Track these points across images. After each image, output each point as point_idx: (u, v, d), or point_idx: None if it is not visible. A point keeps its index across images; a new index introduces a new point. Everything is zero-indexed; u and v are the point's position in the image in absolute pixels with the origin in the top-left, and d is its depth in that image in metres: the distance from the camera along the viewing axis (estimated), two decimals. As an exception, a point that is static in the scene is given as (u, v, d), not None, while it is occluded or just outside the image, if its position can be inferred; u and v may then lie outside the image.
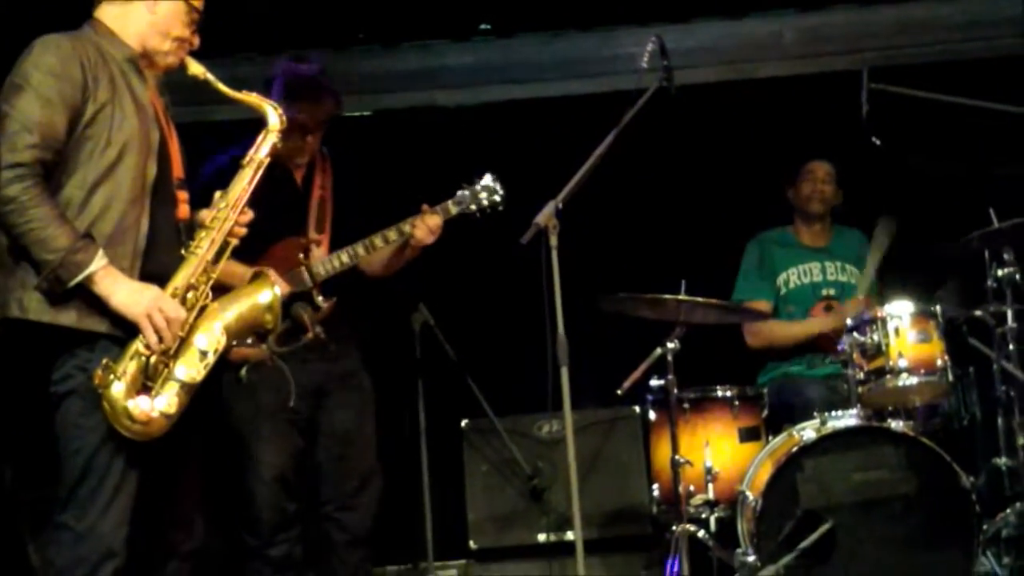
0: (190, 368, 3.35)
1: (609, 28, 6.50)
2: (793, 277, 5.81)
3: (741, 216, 6.28)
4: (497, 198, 4.92)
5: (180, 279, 3.40)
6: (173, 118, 3.60)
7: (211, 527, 3.96)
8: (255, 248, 4.69)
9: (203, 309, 3.43)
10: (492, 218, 5.27)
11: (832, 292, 5.75)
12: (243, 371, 4.53)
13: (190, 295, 3.40)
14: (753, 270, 5.87)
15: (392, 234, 4.83)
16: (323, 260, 4.87)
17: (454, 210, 4.89)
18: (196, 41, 3.56)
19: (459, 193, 4.90)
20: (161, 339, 3.28)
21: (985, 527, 4.77)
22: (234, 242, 3.54)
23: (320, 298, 4.81)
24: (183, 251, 3.46)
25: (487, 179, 4.93)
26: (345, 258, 4.87)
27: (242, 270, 4.57)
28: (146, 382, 3.29)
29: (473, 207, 4.90)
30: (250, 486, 4.80)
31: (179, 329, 3.34)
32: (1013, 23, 5.98)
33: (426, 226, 4.80)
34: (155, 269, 3.39)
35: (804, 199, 5.86)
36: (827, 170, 5.85)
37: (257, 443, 4.80)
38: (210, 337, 3.40)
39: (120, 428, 3.26)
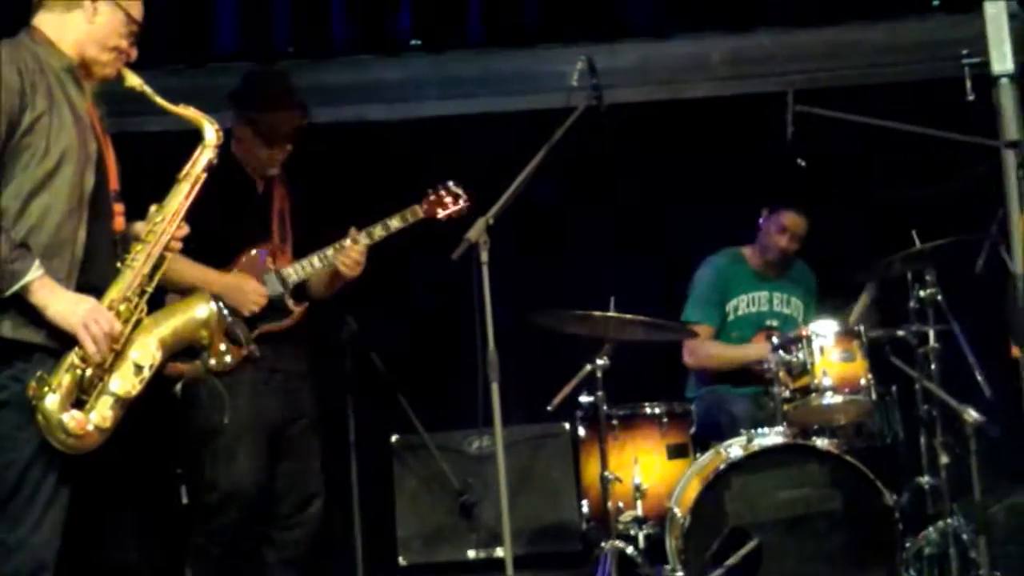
0: (125, 382, 3.32)
1: (539, 46, 6.52)
2: (743, 304, 5.84)
3: (670, 234, 6.34)
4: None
5: (116, 292, 3.36)
6: (108, 129, 3.56)
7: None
8: (225, 254, 4.76)
9: (138, 323, 3.39)
10: (423, 234, 5.29)
11: (775, 323, 5.79)
12: (177, 387, 4.50)
13: (124, 308, 3.36)
14: (705, 292, 5.85)
15: (379, 229, 4.90)
16: (294, 265, 4.88)
17: (379, 234, 4.91)
18: (134, 53, 3.53)
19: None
20: (97, 351, 3.25)
21: (908, 545, 4.86)
22: (170, 256, 3.51)
23: (291, 302, 4.86)
24: (119, 264, 3.43)
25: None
26: (316, 262, 4.88)
27: (213, 273, 4.69)
28: (81, 395, 3.25)
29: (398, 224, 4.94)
30: (224, 493, 4.71)
31: (114, 342, 3.30)
32: (936, 47, 6.08)
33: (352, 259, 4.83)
34: (91, 281, 3.35)
35: (770, 245, 5.84)
36: (801, 230, 5.80)
37: (238, 449, 4.72)
38: (145, 352, 3.36)
39: (54, 441, 3.22)
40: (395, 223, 4.93)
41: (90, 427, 3.25)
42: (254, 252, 4.89)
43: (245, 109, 4.88)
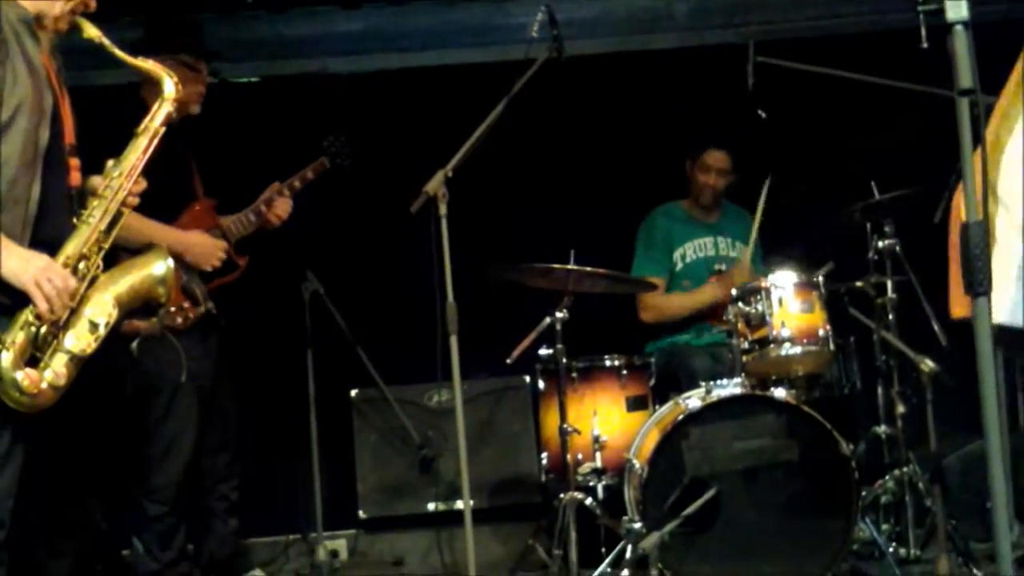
0: (80, 339, 3.30)
1: (499, -2, 6.49)
2: (689, 252, 5.90)
3: (630, 186, 6.33)
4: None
5: (71, 248, 3.33)
6: (65, 82, 3.51)
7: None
8: (169, 211, 4.84)
9: (94, 280, 3.37)
10: (381, 186, 5.28)
11: (724, 267, 5.83)
12: (134, 344, 4.49)
13: (81, 265, 3.34)
14: (651, 245, 5.94)
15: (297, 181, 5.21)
16: (234, 220, 5.05)
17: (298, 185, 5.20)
18: (93, 4, 3.47)
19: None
20: (52, 309, 3.22)
21: (864, 493, 4.90)
22: (127, 212, 3.48)
23: (236, 256, 5.03)
24: (75, 219, 3.40)
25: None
26: (252, 217, 5.08)
27: (175, 231, 4.81)
28: (35, 353, 3.23)
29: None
30: (170, 455, 4.80)
31: (69, 299, 3.28)
32: (894, -3, 6.08)
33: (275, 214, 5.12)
34: (46, 237, 3.30)
35: (698, 188, 5.94)
36: (724, 164, 5.90)
37: (185, 406, 4.82)
38: (101, 309, 3.34)
39: (7, 399, 3.20)
40: (310, 174, 5.23)
41: (44, 385, 3.23)
42: (196, 208, 5.00)
43: (170, 48, 4.89)
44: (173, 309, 4.73)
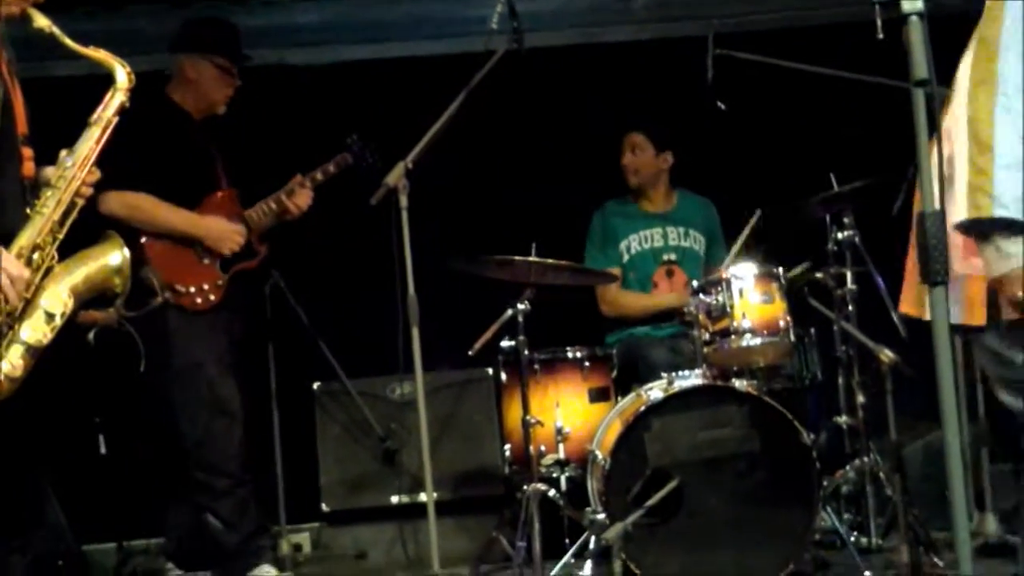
0: (36, 331, 3.27)
1: (460, -11, 6.48)
2: (634, 243, 5.89)
3: (590, 179, 6.33)
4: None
5: (25, 239, 3.31)
6: (17, 73, 3.48)
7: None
8: (189, 199, 4.96)
9: (49, 270, 3.34)
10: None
11: (673, 257, 5.85)
12: (91, 335, 4.47)
13: (36, 256, 3.32)
14: (597, 240, 5.94)
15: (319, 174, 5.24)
16: (256, 209, 5.13)
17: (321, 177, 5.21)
18: None
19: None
20: (6, 300, 3.19)
21: (825, 483, 4.92)
22: (80, 202, 3.45)
23: (257, 243, 5.13)
24: (28, 210, 3.37)
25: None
26: (273, 205, 5.14)
27: (194, 216, 4.96)
28: (-10, 345, 3.21)
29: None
30: (216, 425, 4.88)
31: (24, 290, 3.25)
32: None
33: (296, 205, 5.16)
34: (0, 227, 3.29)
35: (627, 173, 5.93)
36: (637, 141, 5.88)
37: (222, 381, 4.93)
38: (56, 299, 3.32)
39: (-38, 391, 3.17)
40: (332, 168, 5.22)
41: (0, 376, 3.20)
42: (219, 195, 5.08)
43: (207, 48, 5.08)
44: (192, 290, 4.88)
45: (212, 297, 4.92)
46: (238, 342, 5.07)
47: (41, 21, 3.45)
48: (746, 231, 5.45)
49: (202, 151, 5.08)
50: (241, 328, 5.12)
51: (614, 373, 5.41)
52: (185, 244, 4.93)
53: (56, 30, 3.46)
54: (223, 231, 4.98)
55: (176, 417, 4.89)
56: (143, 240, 4.82)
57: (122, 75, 3.56)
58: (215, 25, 5.28)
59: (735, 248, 5.46)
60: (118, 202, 4.78)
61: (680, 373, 5.01)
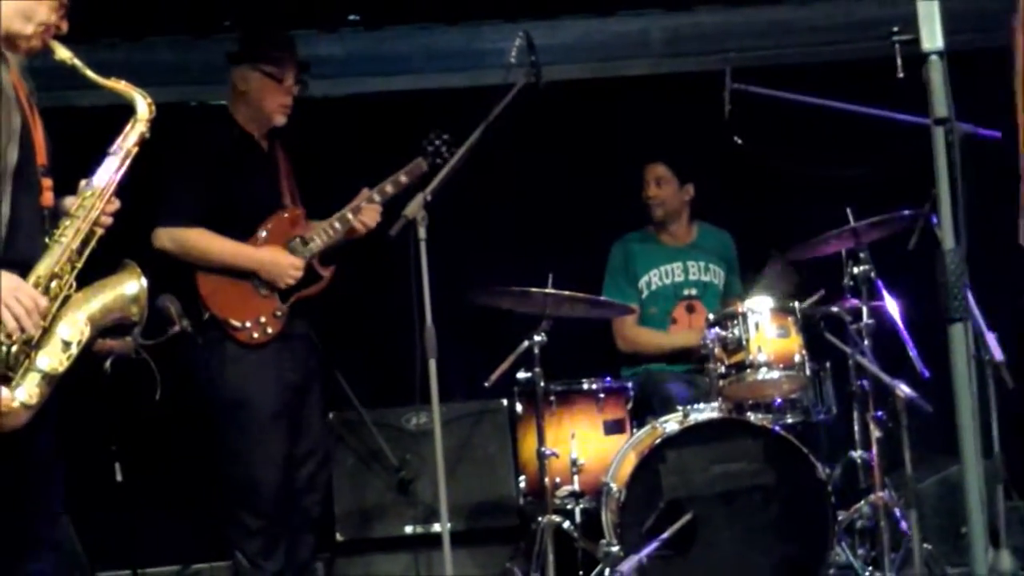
0: (52, 359, 3.29)
1: (477, 22, 6.51)
2: (655, 278, 5.89)
3: (608, 212, 6.35)
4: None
5: (43, 268, 3.32)
6: (37, 104, 3.51)
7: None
8: (248, 222, 4.86)
9: (67, 299, 3.36)
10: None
11: (694, 292, 5.86)
12: (107, 364, 4.49)
13: (54, 284, 3.33)
14: (617, 273, 5.94)
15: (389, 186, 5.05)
16: (317, 231, 4.95)
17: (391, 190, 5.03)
18: (64, 26, 3.47)
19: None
20: (22, 328, 3.21)
21: (840, 518, 4.90)
22: (100, 232, 3.47)
23: (320, 267, 4.97)
24: (47, 239, 3.39)
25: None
26: (337, 225, 4.97)
27: (247, 248, 4.82)
28: (7, 372, 3.22)
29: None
30: (259, 471, 4.81)
31: (41, 318, 3.27)
32: (871, 25, 6.11)
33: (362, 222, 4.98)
34: (17, 257, 3.30)
35: (648, 206, 5.94)
36: (659, 174, 5.90)
37: (273, 425, 4.83)
38: (74, 328, 3.33)
39: (-22, 419, 3.18)
40: (404, 178, 5.03)
41: (16, 404, 3.22)
42: (284, 216, 4.96)
43: (253, 58, 4.94)
44: (249, 324, 4.78)
45: (270, 329, 4.81)
46: (298, 384, 4.95)
47: (62, 53, 3.48)
48: (765, 277, 5.45)
49: (262, 170, 4.96)
50: (304, 364, 5.00)
51: (629, 405, 5.41)
52: (241, 277, 4.81)
53: (77, 62, 3.49)
54: (278, 264, 4.83)
55: (219, 451, 4.86)
56: (197, 275, 4.77)
57: (143, 106, 3.59)
58: (264, 34, 5.11)
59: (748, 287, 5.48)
60: (168, 238, 4.75)
61: (696, 406, 5.02)
